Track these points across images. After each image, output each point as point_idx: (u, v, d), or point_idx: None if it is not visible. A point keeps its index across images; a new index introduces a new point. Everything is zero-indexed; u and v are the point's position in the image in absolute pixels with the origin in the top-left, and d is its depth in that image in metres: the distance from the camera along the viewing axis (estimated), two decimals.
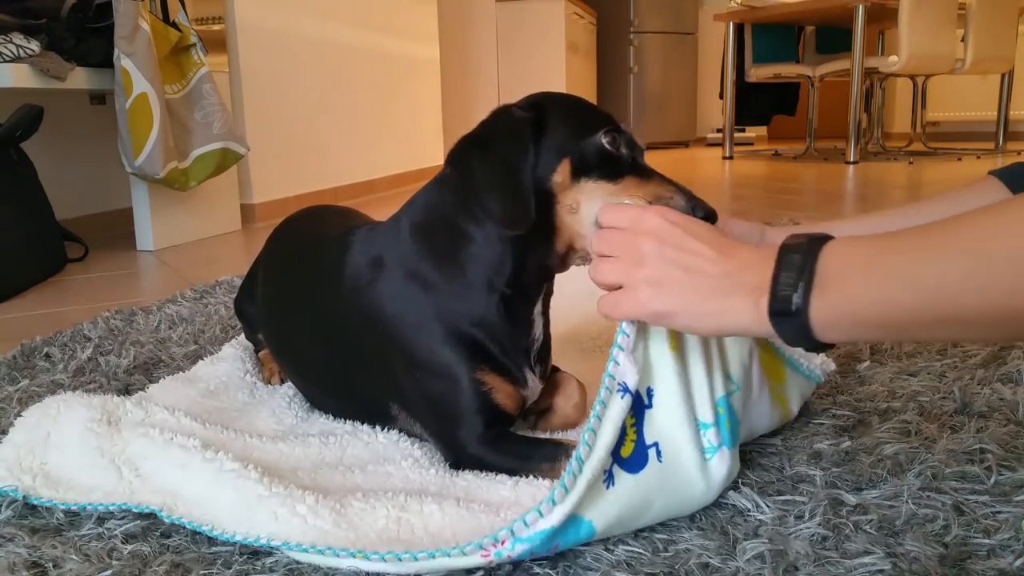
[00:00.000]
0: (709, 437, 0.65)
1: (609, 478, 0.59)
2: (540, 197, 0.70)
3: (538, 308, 0.77)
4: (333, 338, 0.81)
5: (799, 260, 0.53)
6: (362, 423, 0.84)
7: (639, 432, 0.62)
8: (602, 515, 0.58)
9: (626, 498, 0.60)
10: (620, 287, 0.61)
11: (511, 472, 0.70)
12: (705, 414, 0.65)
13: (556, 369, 0.85)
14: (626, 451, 0.60)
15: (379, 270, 0.76)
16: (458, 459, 0.73)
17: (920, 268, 0.48)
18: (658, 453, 0.63)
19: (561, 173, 0.70)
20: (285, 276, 0.92)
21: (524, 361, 0.75)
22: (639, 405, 0.63)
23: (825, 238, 0.54)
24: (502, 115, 0.73)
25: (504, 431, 0.73)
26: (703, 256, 0.58)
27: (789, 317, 0.53)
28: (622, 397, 0.60)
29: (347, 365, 0.81)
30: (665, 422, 0.64)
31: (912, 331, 0.51)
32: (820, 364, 0.83)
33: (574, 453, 0.57)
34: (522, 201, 0.68)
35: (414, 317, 0.73)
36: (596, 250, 0.63)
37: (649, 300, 0.59)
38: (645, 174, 0.72)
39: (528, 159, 0.70)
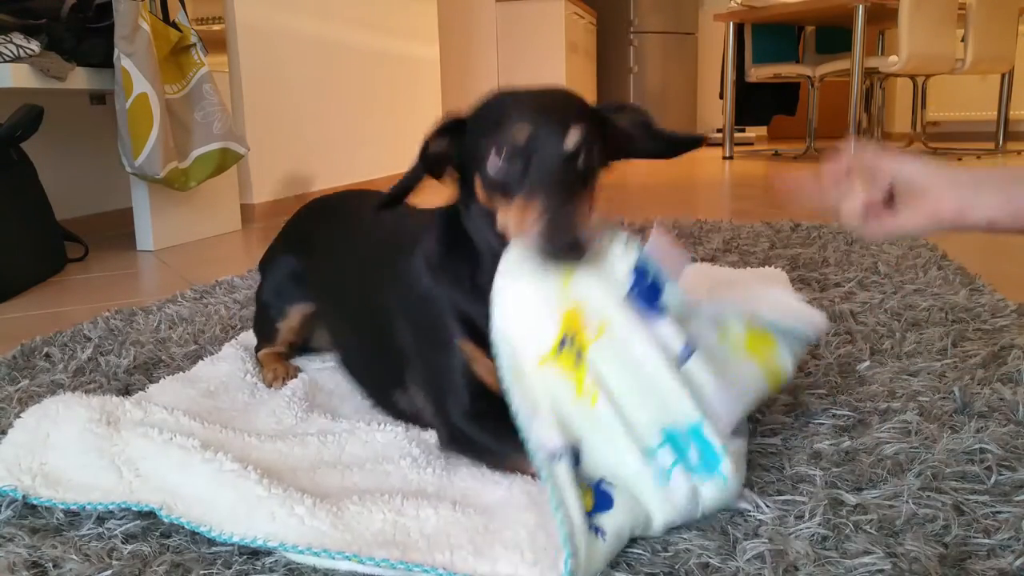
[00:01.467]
0: (661, 459, 0.63)
1: (598, 531, 0.59)
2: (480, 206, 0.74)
3: None
4: (376, 312, 0.89)
5: None
6: (381, 395, 0.89)
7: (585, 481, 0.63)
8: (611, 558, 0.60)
9: (617, 534, 0.60)
10: None
11: (488, 453, 0.74)
12: (649, 439, 0.64)
13: None
14: (588, 504, 0.60)
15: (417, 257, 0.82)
16: (449, 434, 0.77)
17: None
18: (609, 485, 0.63)
19: (479, 188, 0.73)
20: (349, 247, 0.99)
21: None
22: (575, 460, 0.63)
23: None
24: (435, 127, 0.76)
25: (490, 411, 0.73)
26: None
27: None
28: (560, 460, 0.61)
29: (381, 337, 0.87)
30: (601, 461, 0.64)
31: None
32: (810, 321, 0.78)
33: (561, 534, 0.57)
34: (396, 196, 0.77)
35: (431, 294, 0.79)
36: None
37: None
38: (531, 196, 0.68)
39: (419, 169, 0.75)
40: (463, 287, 0.77)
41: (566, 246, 0.65)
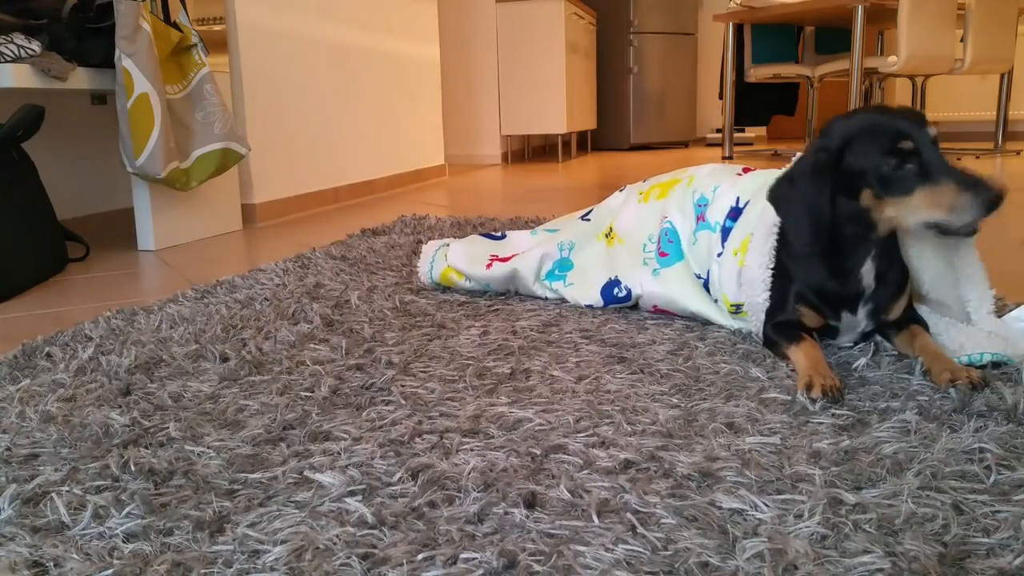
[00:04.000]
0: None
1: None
2: (856, 214, 0.96)
3: (867, 267, 1.01)
4: None
5: None
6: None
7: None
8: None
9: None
10: None
11: (770, 343, 1.08)
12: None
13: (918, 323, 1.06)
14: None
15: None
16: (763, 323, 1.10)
17: None
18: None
19: (866, 198, 0.95)
20: None
21: (843, 307, 1.04)
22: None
23: None
24: (811, 157, 0.97)
25: (789, 323, 1.06)
26: None
27: None
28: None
29: None
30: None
31: None
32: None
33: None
34: (819, 233, 0.97)
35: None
36: None
37: None
38: (936, 181, 0.89)
39: (825, 194, 0.95)
40: (811, 271, 1.04)
41: (997, 192, 0.86)
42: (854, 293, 1.04)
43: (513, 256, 1.43)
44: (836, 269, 1.03)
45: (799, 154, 1.04)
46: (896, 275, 1.05)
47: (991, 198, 0.85)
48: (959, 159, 4.17)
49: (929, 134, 0.92)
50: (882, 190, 0.93)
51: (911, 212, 0.92)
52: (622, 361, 1.06)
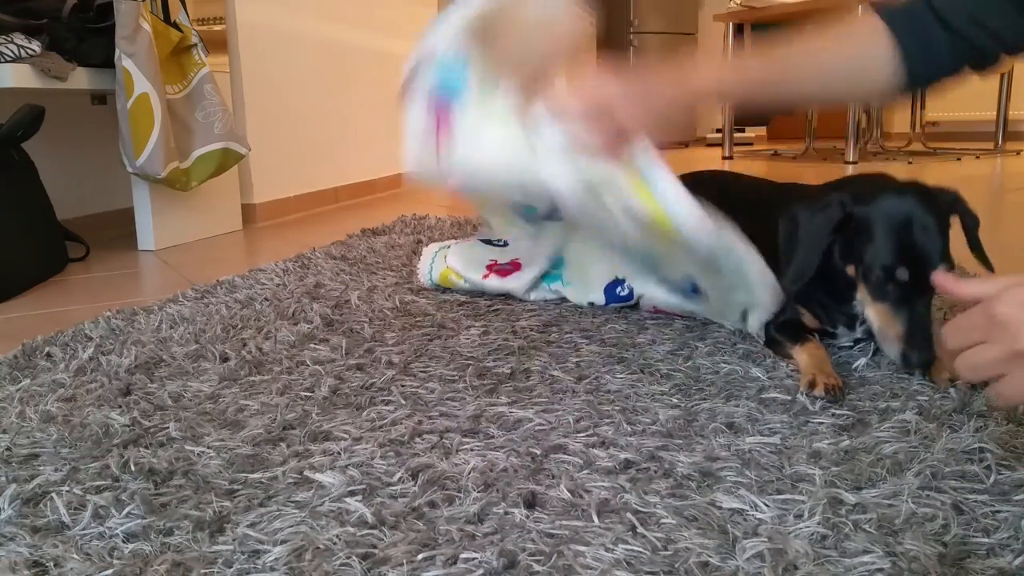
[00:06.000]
0: None
1: None
2: (844, 272, 0.99)
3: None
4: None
5: None
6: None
7: None
8: None
9: None
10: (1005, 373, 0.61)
11: (772, 343, 1.08)
12: None
13: None
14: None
15: None
16: (764, 323, 1.12)
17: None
18: None
19: (851, 271, 0.98)
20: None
21: (841, 321, 1.06)
22: None
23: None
24: (831, 200, 0.98)
25: (791, 323, 1.08)
26: None
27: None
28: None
29: None
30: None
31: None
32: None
33: None
34: (803, 272, 0.99)
35: None
36: (952, 346, 0.65)
37: None
38: (896, 313, 0.92)
39: (820, 243, 0.98)
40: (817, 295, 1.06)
41: (921, 361, 0.91)
42: (850, 315, 1.05)
43: (511, 271, 1.43)
44: (831, 290, 1.04)
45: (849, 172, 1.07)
46: None
47: (912, 364, 0.91)
48: (959, 159, 4.17)
49: (932, 264, 0.90)
50: (863, 279, 0.96)
51: (870, 310, 0.96)
52: (622, 361, 1.06)
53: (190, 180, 2.06)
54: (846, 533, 0.62)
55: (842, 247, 0.99)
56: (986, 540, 0.61)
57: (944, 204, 0.97)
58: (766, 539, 0.61)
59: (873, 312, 0.96)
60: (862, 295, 0.98)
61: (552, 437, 0.82)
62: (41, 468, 0.77)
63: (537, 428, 0.84)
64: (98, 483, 0.74)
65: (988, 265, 1.02)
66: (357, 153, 3.24)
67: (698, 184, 1.37)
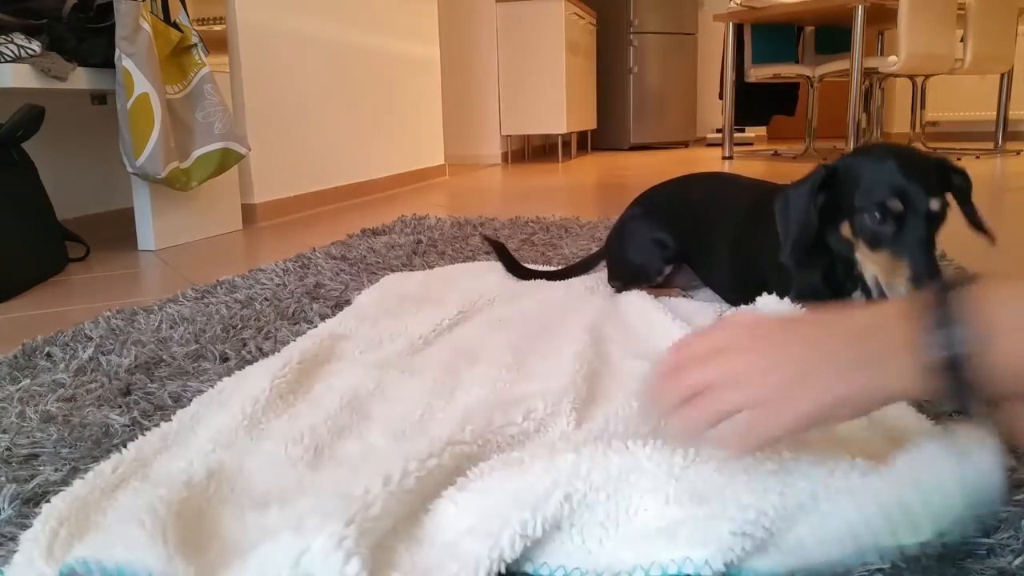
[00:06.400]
0: None
1: None
2: (841, 240, 0.96)
3: (857, 294, 1.01)
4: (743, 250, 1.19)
5: (948, 304, 0.48)
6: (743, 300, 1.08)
7: None
8: None
9: None
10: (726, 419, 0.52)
11: None
12: None
13: None
14: None
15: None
16: None
17: None
18: None
19: (845, 228, 0.95)
20: (716, 207, 1.27)
21: None
22: None
23: (972, 281, 0.49)
24: (816, 170, 0.97)
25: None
26: (810, 336, 0.51)
27: (957, 368, 0.46)
28: None
29: (746, 267, 1.18)
30: None
31: None
32: None
33: None
34: (799, 243, 0.97)
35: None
36: (667, 401, 0.55)
37: (789, 407, 0.50)
38: (899, 251, 0.89)
39: (810, 207, 0.96)
40: (813, 270, 1.03)
41: (934, 277, 0.85)
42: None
43: None
44: (832, 283, 1.03)
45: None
46: None
47: (923, 282, 0.85)
48: (959, 159, 4.17)
49: (927, 205, 0.89)
50: (858, 231, 0.93)
51: (866, 264, 0.94)
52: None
53: (190, 180, 2.06)
54: None
55: (832, 210, 0.96)
56: (986, 540, 0.61)
57: (932, 159, 0.95)
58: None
59: (875, 265, 0.92)
60: (861, 254, 0.94)
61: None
62: (41, 468, 0.77)
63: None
64: None
65: (986, 232, 0.97)
66: (357, 153, 3.24)
67: (694, 185, 1.38)
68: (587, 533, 0.57)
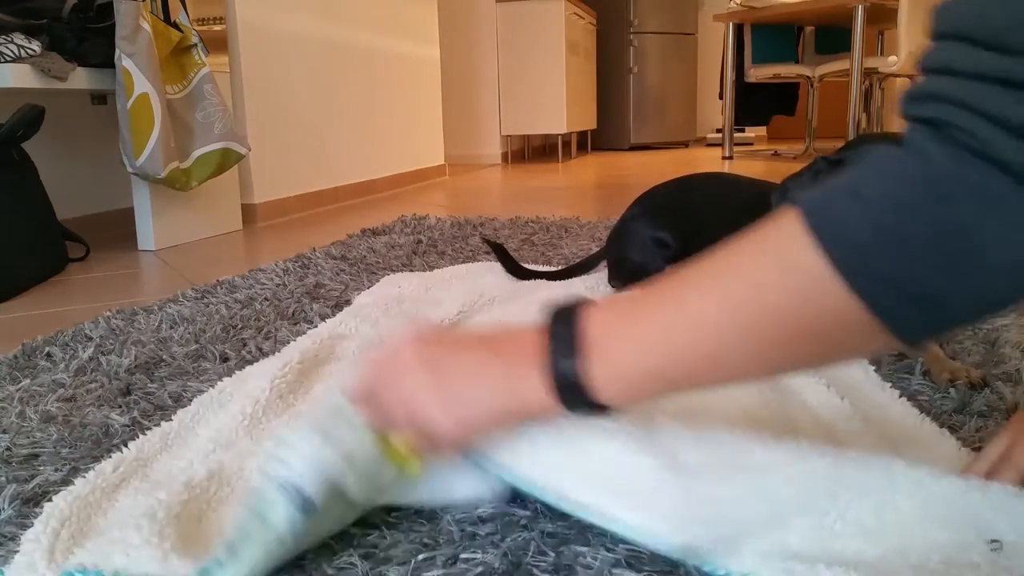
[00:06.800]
0: None
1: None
2: None
3: None
4: None
5: (563, 328, 0.53)
6: None
7: None
8: None
9: None
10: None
11: None
12: None
13: None
14: None
15: None
16: None
17: (667, 336, 0.48)
18: None
19: None
20: (716, 207, 1.28)
21: None
22: None
23: (583, 304, 0.54)
24: (815, 162, 0.99)
25: None
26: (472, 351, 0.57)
27: (571, 387, 0.52)
28: None
29: None
30: None
31: (696, 385, 0.50)
32: None
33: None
34: None
35: None
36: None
37: (449, 417, 0.56)
38: None
39: None
40: None
41: None
42: None
43: None
44: None
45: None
46: None
47: None
48: None
49: None
50: None
51: None
52: None
53: (190, 180, 2.06)
54: None
55: None
56: None
57: None
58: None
59: None
60: None
61: None
62: (41, 468, 0.77)
63: None
64: None
65: None
66: (357, 153, 3.24)
67: (695, 185, 1.38)
68: None
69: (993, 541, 0.51)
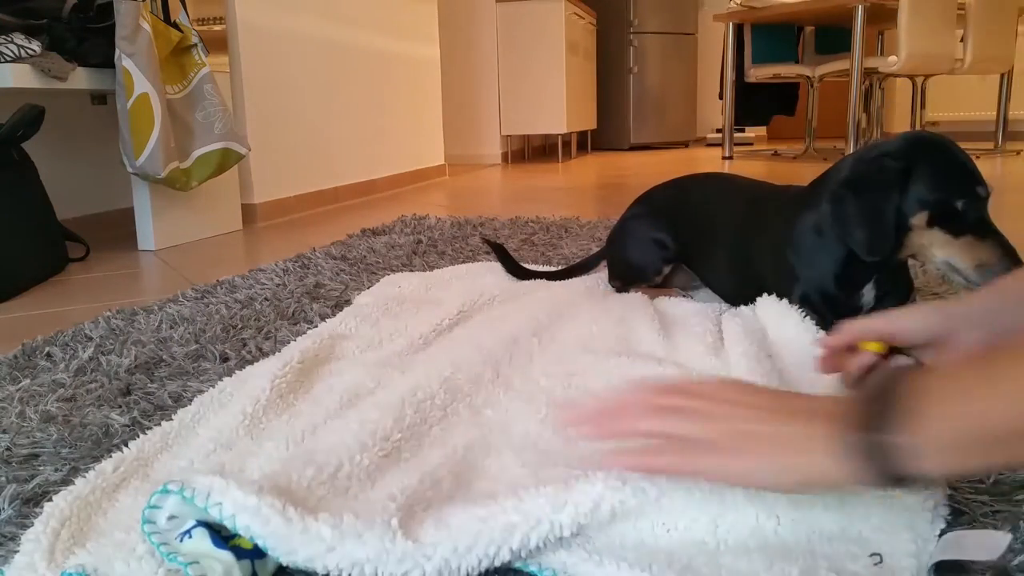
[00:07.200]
0: None
1: None
2: (899, 227, 0.96)
3: (868, 286, 1.04)
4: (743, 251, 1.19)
5: (883, 399, 0.51)
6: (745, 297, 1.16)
7: None
8: None
9: None
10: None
11: None
12: None
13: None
14: None
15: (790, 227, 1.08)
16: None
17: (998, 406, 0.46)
18: None
19: (919, 219, 0.95)
20: (716, 208, 1.27)
21: (848, 313, 0.98)
22: None
23: (904, 371, 0.52)
24: (876, 163, 0.97)
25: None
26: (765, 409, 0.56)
27: (879, 452, 0.49)
28: None
29: (747, 268, 1.18)
30: None
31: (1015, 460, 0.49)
32: None
33: None
34: (885, 237, 0.96)
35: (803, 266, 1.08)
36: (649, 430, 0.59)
37: (739, 460, 0.54)
38: (982, 235, 0.93)
39: (893, 201, 0.95)
40: (823, 268, 1.04)
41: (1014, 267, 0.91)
42: (855, 307, 1.06)
43: None
44: (843, 279, 1.04)
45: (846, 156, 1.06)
46: (901, 294, 1.07)
47: (1006, 270, 0.91)
48: None
49: (987, 188, 0.95)
50: (938, 221, 0.95)
51: (947, 250, 0.95)
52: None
53: (190, 180, 2.06)
54: None
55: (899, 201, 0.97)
56: None
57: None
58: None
59: (956, 251, 0.95)
60: (936, 242, 0.95)
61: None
62: (41, 468, 0.77)
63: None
64: None
65: None
66: (357, 153, 3.24)
67: (694, 185, 1.38)
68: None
69: (874, 555, 0.55)
